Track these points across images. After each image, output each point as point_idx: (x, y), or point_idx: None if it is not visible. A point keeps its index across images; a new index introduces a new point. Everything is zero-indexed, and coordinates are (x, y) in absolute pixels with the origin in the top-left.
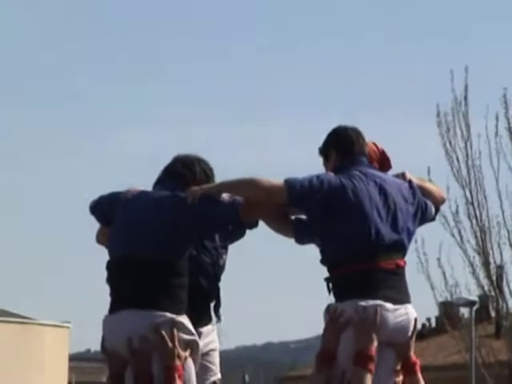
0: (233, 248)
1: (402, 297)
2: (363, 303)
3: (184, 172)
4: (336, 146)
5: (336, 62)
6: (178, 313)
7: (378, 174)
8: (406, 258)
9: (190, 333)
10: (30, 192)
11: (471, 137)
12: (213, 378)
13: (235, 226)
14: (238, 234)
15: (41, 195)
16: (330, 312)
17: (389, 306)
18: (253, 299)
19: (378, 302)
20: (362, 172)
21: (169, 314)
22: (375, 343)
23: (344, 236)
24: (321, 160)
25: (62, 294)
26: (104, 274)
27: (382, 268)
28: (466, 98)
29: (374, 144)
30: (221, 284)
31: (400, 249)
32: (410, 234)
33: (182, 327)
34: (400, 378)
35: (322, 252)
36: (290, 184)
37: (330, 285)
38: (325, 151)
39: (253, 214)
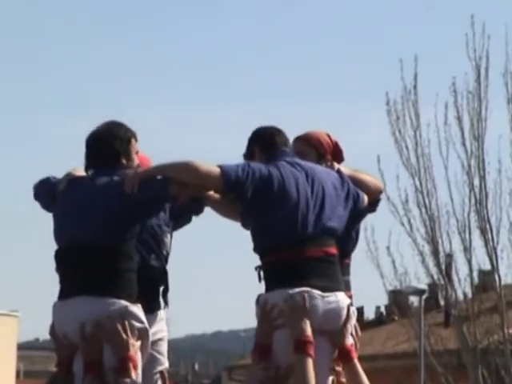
0: (182, 233)
1: (331, 285)
2: (290, 292)
3: (105, 154)
4: (258, 142)
5: (284, 55)
6: (132, 300)
7: (305, 163)
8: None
9: (141, 321)
10: None
11: (420, 125)
12: (159, 368)
13: (167, 199)
14: (183, 220)
15: None
16: (260, 304)
17: (316, 292)
18: (202, 287)
19: (305, 288)
20: (288, 161)
21: (123, 302)
22: (309, 328)
23: (271, 225)
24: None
25: (10, 282)
26: (52, 262)
27: (309, 256)
28: (415, 86)
29: (328, 135)
30: (170, 271)
31: (329, 236)
32: (341, 222)
33: (134, 316)
34: (340, 368)
35: (253, 240)
36: (225, 172)
37: (262, 273)
38: (249, 152)
39: (184, 189)
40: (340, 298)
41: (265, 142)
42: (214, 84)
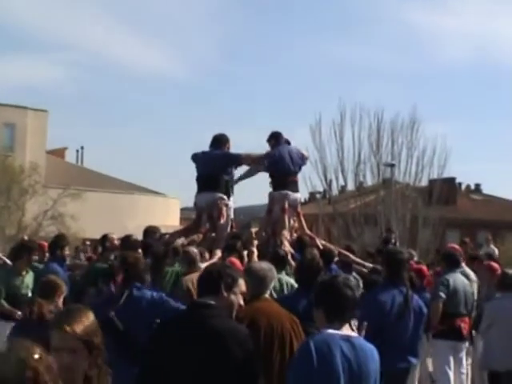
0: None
1: (295, 189)
2: (281, 192)
3: (220, 143)
4: (275, 136)
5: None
6: (224, 193)
7: (288, 146)
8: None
9: (227, 201)
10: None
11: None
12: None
13: (238, 163)
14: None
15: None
16: (269, 196)
17: (289, 193)
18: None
19: (286, 192)
20: (283, 145)
21: (221, 194)
22: (286, 204)
23: (278, 167)
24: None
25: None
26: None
27: (289, 180)
28: (343, 116)
29: None
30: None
31: (296, 172)
32: (300, 167)
33: (224, 198)
34: (295, 217)
35: (268, 171)
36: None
37: (271, 182)
38: (270, 139)
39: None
40: (297, 195)
41: (277, 136)
42: None
